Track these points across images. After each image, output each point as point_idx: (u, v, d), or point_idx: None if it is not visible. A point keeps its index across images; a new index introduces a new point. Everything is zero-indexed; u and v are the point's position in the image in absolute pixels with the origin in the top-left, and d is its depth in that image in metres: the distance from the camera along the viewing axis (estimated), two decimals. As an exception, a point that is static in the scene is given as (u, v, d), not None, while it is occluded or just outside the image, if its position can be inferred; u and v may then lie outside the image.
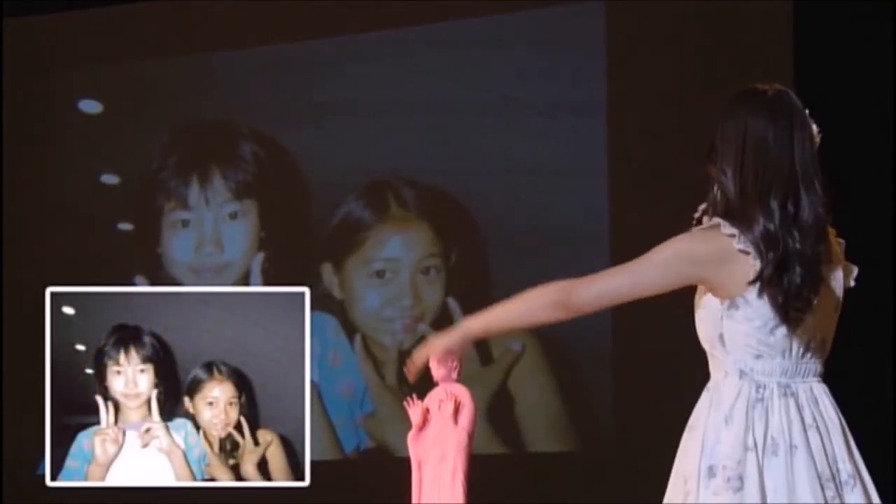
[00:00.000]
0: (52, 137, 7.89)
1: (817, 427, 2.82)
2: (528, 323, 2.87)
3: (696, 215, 2.95)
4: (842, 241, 2.98)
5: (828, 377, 2.96)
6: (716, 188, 2.90)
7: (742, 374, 2.84)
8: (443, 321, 7.03)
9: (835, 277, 2.92)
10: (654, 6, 6.66)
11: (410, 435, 5.06)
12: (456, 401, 5.00)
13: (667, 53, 6.59)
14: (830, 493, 2.80)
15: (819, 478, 2.79)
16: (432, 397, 5.09)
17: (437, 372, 5.09)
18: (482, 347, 6.98)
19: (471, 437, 4.97)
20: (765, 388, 2.83)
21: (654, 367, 6.37)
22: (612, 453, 6.57)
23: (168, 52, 7.72)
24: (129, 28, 7.77)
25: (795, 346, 2.85)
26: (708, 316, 2.88)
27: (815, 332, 2.87)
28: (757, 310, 2.82)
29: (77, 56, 7.88)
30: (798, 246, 2.81)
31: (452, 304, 7.06)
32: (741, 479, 2.75)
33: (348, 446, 7.16)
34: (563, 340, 6.83)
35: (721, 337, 2.86)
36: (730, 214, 2.85)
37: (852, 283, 2.97)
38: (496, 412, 6.84)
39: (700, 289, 2.91)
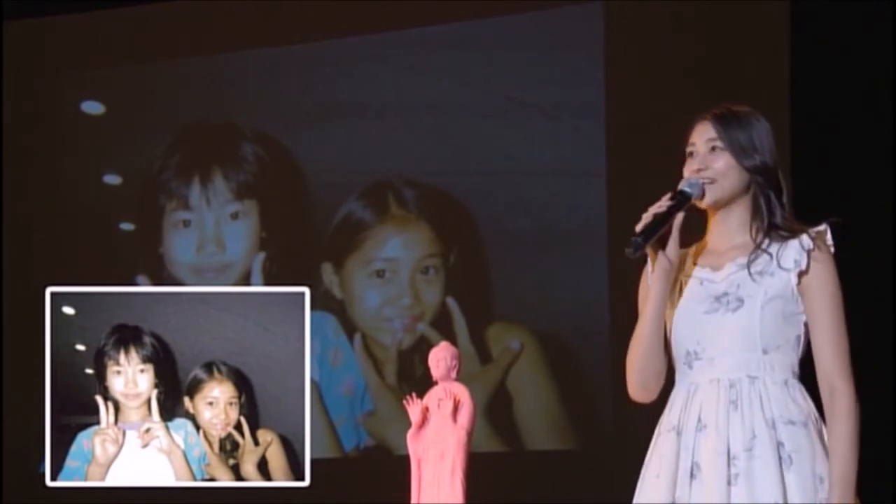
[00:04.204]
0: (54, 138, 7.91)
1: None
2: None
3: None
4: None
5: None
6: (720, 185, 2.96)
7: (796, 374, 2.96)
8: (442, 321, 7.05)
9: None
10: (654, 7, 6.67)
11: (410, 433, 5.07)
12: (455, 399, 5.01)
13: (666, 54, 6.59)
14: None
15: None
16: (432, 396, 5.10)
17: (436, 371, 5.11)
18: (481, 346, 6.99)
19: (470, 435, 4.99)
20: None
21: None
22: (611, 451, 6.58)
23: (170, 53, 7.73)
24: (132, 29, 7.78)
25: None
26: (792, 317, 2.94)
27: None
28: None
29: (79, 57, 7.89)
30: None
31: (452, 303, 7.07)
32: None
33: (348, 445, 7.17)
34: (562, 339, 6.85)
35: (798, 338, 2.95)
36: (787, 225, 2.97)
37: None
38: (495, 411, 6.86)
39: (777, 284, 2.93)
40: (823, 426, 2.91)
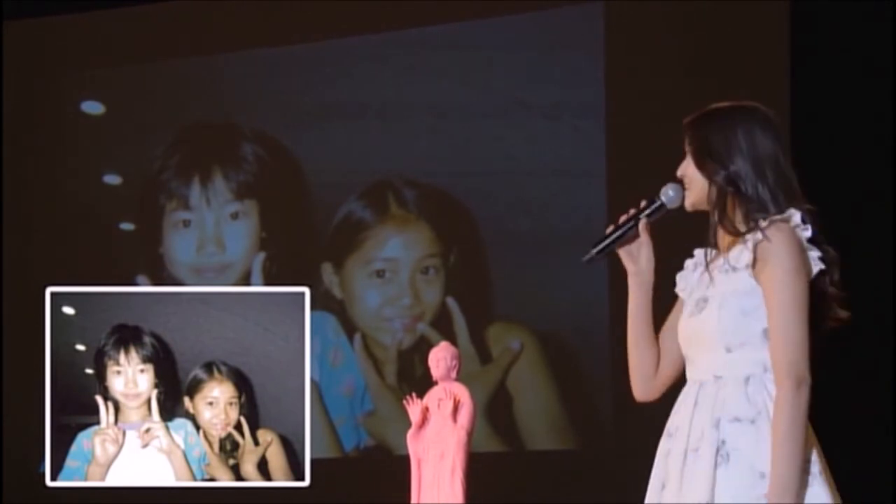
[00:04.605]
0: (54, 138, 7.91)
1: None
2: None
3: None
4: None
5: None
6: (699, 188, 2.94)
7: (766, 369, 2.88)
8: (442, 321, 7.05)
9: None
10: (654, 7, 6.67)
11: (410, 433, 5.07)
12: (455, 399, 5.01)
13: (666, 54, 6.60)
14: None
15: None
16: (432, 396, 5.10)
17: (436, 371, 5.11)
18: (481, 346, 6.99)
19: (470, 435, 4.98)
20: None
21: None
22: (611, 451, 6.58)
23: (170, 53, 7.73)
24: (132, 29, 7.78)
25: None
26: (755, 311, 2.89)
27: None
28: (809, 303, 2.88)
29: (79, 57, 7.89)
30: (833, 253, 2.89)
31: (452, 303, 7.07)
32: (825, 469, 2.86)
33: (348, 445, 7.18)
34: (562, 339, 6.85)
35: (765, 331, 2.87)
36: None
37: None
38: (495, 411, 6.86)
39: (733, 281, 2.91)
40: None
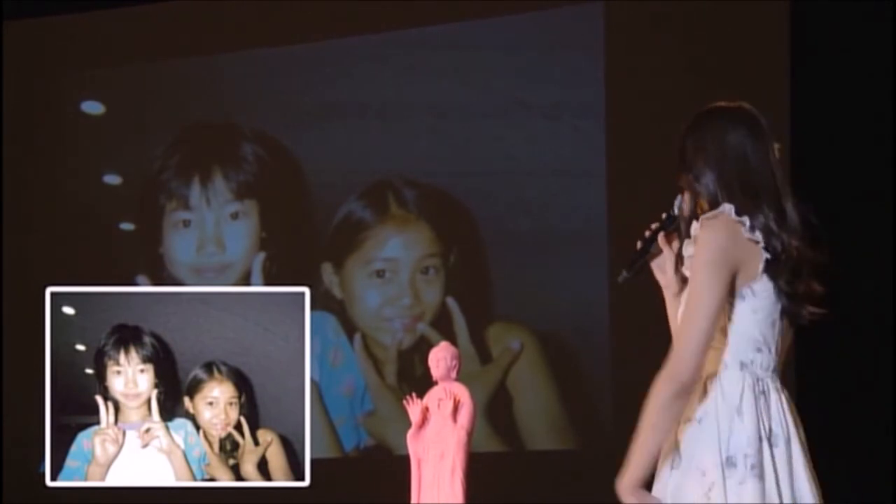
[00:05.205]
0: (54, 138, 7.91)
1: (797, 422, 2.88)
2: (668, 434, 2.85)
3: (663, 217, 3.00)
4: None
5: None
6: (687, 196, 2.94)
7: (743, 366, 2.86)
8: (442, 321, 7.05)
9: None
10: (654, 7, 6.67)
11: (410, 433, 5.08)
12: (455, 399, 5.02)
13: (666, 54, 6.60)
14: (816, 484, 2.85)
15: (810, 468, 2.85)
16: (432, 396, 5.10)
17: (436, 371, 5.11)
18: (481, 346, 6.99)
19: (470, 435, 4.99)
20: (761, 381, 2.87)
21: (654, 365, 6.37)
22: (610, 451, 6.57)
23: (170, 53, 7.74)
24: (132, 30, 7.79)
25: (779, 344, 2.89)
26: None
27: (787, 334, 2.92)
28: (762, 301, 2.85)
29: (80, 58, 7.89)
30: (800, 246, 2.84)
31: (451, 303, 7.07)
32: (762, 465, 2.81)
33: (348, 445, 7.18)
34: (562, 339, 6.85)
35: (723, 329, 2.87)
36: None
37: None
38: (495, 411, 6.86)
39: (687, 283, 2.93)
40: (736, 417, 2.85)
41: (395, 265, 7.23)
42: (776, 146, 2.96)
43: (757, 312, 2.86)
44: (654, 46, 6.65)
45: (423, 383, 5.31)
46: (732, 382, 2.86)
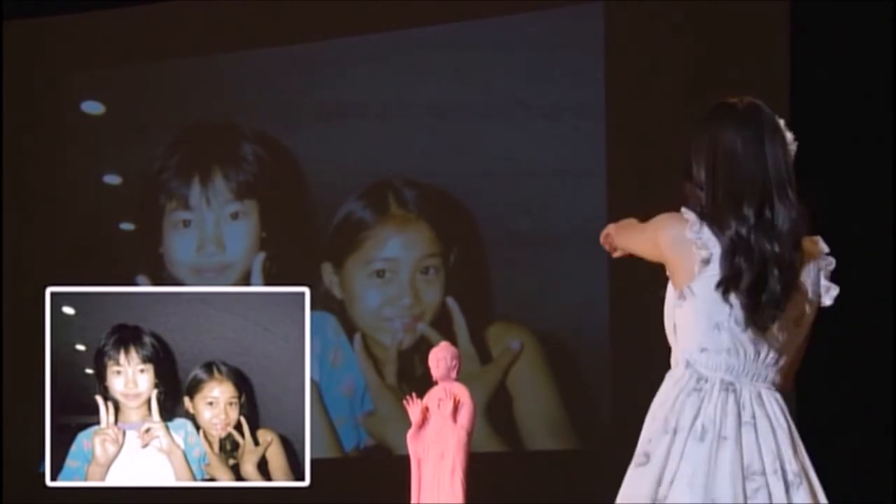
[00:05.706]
0: (54, 138, 7.91)
1: (754, 425, 2.82)
2: None
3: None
4: (831, 259, 2.95)
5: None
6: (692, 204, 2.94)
7: (688, 364, 2.88)
8: (442, 321, 7.05)
9: (800, 290, 2.90)
10: (654, 7, 6.67)
11: (410, 433, 5.08)
12: (455, 399, 5.02)
13: (666, 54, 6.60)
14: (754, 485, 2.79)
15: (743, 470, 2.79)
16: (432, 396, 5.10)
17: (436, 371, 5.11)
18: (481, 346, 6.99)
19: (470, 435, 4.99)
20: (706, 380, 2.85)
21: (653, 365, 6.37)
22: (610, 451, 6.58)
23: (170, 53, 7.73)
24: (132, 30, 7.79)
25: (749, 349, 2.85)
26: (666, 304, 2.94)
27: (773, 339, 2.87)
28: (701, 303, 2.84)
29: (80, 58, 7.89)
30: (777, 250, 2.81)
31: (452, 303, 7.07)
32: (647, 455, 2.83)
33: (348, 445, 7.18)
34: (561, 339, 6.85)
35: (674, 326, 2.91)
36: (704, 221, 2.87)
37: (829, 303, 2.94)
38: (495, 411, 6.86)
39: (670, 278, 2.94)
40: (658, 410, 2.86)
41: (395, 265, 7.23)
42: (790, 138, 2.91)
43: (698, 313, 2.85)
44: (654, 46, 6.65)
45: (423, 383, 5.30)
46: (673, 378, 2.89)
